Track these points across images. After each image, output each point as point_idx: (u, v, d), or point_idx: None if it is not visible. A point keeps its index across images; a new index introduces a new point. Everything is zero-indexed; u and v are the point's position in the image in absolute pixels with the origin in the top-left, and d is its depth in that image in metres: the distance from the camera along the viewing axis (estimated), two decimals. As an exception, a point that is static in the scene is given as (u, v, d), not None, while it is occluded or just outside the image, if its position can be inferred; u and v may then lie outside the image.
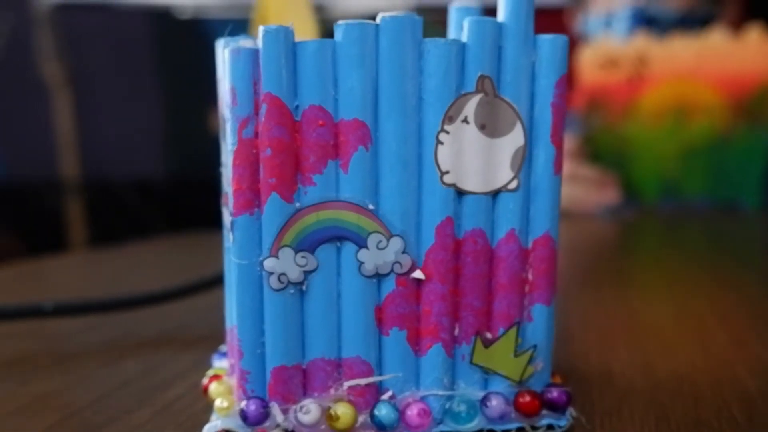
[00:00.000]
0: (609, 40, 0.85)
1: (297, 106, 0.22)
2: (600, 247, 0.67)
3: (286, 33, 0.22)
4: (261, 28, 0.22)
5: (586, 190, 0.82)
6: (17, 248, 1.83)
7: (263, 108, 0.22)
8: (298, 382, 0.23)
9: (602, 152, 0.85)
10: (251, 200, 0.23)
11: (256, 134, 0.23)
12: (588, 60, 0.83)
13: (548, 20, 1.49)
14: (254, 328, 0.23)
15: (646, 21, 0.87)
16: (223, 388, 0.25)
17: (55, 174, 1.88)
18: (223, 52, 0.23)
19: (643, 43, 0.82)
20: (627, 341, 0.34)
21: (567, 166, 0.82)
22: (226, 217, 0.24)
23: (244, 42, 0.23)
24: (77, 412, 0.26)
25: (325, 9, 1.54)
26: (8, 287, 0.50)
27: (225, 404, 0.24)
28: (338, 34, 0.22)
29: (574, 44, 0.89)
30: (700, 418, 0.24)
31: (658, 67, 0.81)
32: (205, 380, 0.26)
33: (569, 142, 0.83)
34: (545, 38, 0.23)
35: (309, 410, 0.23)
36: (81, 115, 1.85)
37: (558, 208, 0.24)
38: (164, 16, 1.68)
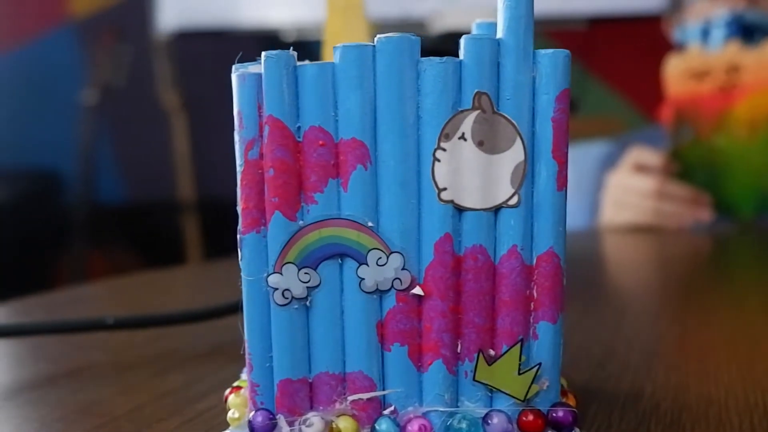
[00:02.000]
0: (698, 49, 0.82)
1: (299, 128, 0.23)
2: (689, 265, 0.65)
3: (288, 58, 0.23)
4: (263, 54, 0.23)
5: (676, 206, 0.79)
6: (138, 265, 1.93)
7: (266, 130, 0.23)
8: (304, 395, 0.24)
9: (692, 166, 0.82)
10: (258, 219, 0.24)
11: (261, 155, 0.24)
12: (675, 70, 0.80)
13: (644, 29, 1.45)
14: (263, 343, 0.24)
15: (744, 28, 0.83)
16: (240, 400, 0.26)
17: (173, 195, 1.97)
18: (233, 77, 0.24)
19: (735, 50, 0.78)
20: (668, 363, 0.32)
21: (654, 183, 0.79)
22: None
23: (253, 68, 0.24)
24: (113, 420, 0.28)
25: (426, 25, 1.55)
26: (128, 294, 0.54)
27: (237, 415, 0.25)
28: (336, 57, 0.23)
29: (669, 54, 0.86)
30: (722, 443, 0.23)
31: (751, 76, 0.77)
32: (227, 392, 0.27)
33: (656, 157, 0.80)
34: (545, 53, 0.23)
35: (312, 423, 0.23)
36: (196, 139, 1.94)
37: (563, 224, 0.24)
38: (271, 39, 1.74)
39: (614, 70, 1.85)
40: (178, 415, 0.28)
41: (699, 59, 0.80)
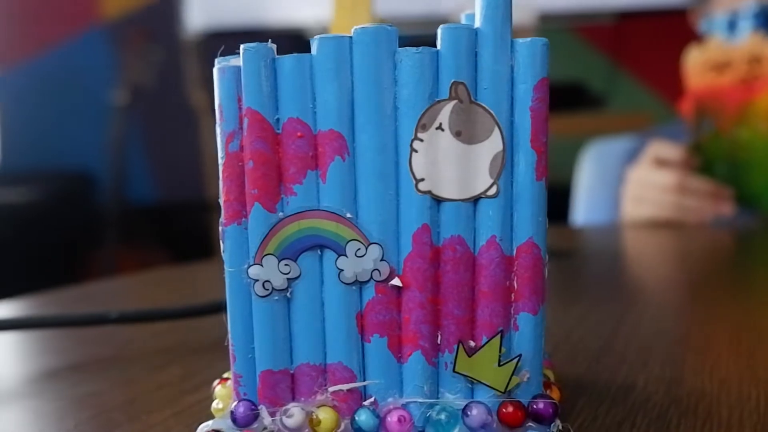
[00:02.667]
0: (718, 40, 0.80)
1: (278, 119, 0.23)
2: (709, 260, 0.64)
3: (266, 50, 0.23)
4: (242, 46, 0.23)
5: (697, 201, 0.78)
6: (167, 262, 1.95)
7: (245, 122, 0.23)
8: (285, 386, 0.24)
9: (713, 160, 0.80)
10: (239, 211, 0.24)
11: (242, 148, 0.24)
12: (695, 62, 0.79)
13: (674, 22, 1.43)
14: (245, 334, 0.24)
15: (772, 20, 0.81)
16: (226, 391, 0.26)
17: (201, 193, 1.99)
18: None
19: (756, 41, 0.77)
20: (666, 357, 0.32)
21: (674, 177, 0.78)
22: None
23: (234, 60, 0.24)
24: (106, 411, 0.28)
25: (450, 21, 1.55)
26: (155, 288, 0.55)
27: (221, 406, 0.25)
28: (314, 48, 0.23)
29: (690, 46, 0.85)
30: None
31: (774, 67, 0.76)
32: (215, 383, 0.27)
33: (676, 151, 0.79)
34: (522, 42, 0.23)
35: (292, 414, 0.24)
36: (225, 138, 1.95)
37: (543, 215, 0.23)
38: (299, 38, 1.75)
39: (644, 65, 1.83)
40: (169, 407, 0.28)
41: (719, 51, 0.78)
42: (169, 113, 2.06)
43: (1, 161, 2.06)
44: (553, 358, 0.32)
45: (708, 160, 0.81)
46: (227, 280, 0.24)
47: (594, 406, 0.26)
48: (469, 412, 0.23)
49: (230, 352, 0.25)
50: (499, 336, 0.23)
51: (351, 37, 0.23)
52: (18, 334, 0.41)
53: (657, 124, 1.49)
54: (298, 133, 0.23)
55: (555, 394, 0.25)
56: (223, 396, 0.26)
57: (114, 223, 1.90)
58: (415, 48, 0.23)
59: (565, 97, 1.76)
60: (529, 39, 0.23)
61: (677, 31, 1.21)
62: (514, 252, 0.23)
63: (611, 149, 1.06)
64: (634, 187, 0.82)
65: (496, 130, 0.23)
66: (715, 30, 0.90)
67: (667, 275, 0.56)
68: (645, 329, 0.37)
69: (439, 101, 0.23)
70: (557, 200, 1.22)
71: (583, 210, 1.09)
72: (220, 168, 0.24)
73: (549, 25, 1.78)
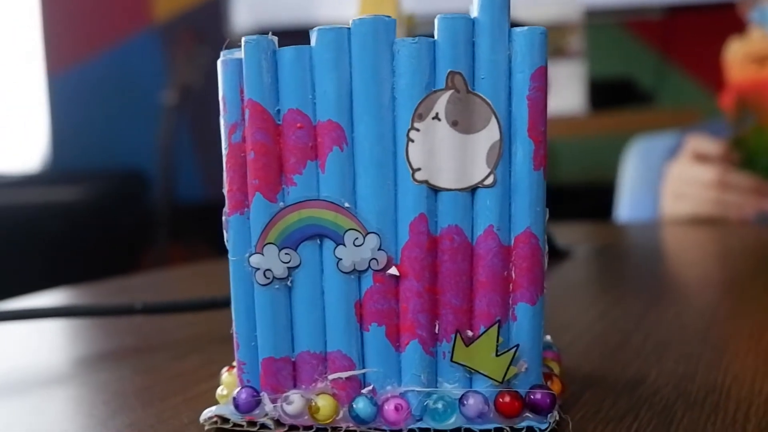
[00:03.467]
0: (761, 32, 0.78)
1: (278, 111, 0.24)
2: (750, 257, 0.62)
3: (267, 42, 0.24)
4: (243, 38, 0.24)
5: (738, 197, 0.76)
6: (215, 259, 1.98)
7: (246, 113, 0.24)
8: (287, 373, 0.24)
9: (755, 155, 0.78)
10: (242, 201, 0.24)
11: (244, 139, 0.24)
12: (737, 55, 0.77)
13: (725, 15, 1.39)
14: (248, 322, 0.25)
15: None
16: (232, 378, 0.26)
17: (249, 192, 2.01)
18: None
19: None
20: (682, 352, 0.31)
21: (714, 172, 0.76)
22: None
23: (238, 53, 0.25)
24: (122, 396, 0.29)
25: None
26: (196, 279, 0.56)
27: (225, 392, 0.26)
28: (313, 40, 0.23)
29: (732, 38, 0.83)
30: (702, 431, 0.23)
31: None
32: (223, 371, 0.27)
33: (716, 146, 0.77)
34: (520, 31, 0.23)
35: (292, 401, 0.24)
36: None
37: (541, 204, 0.23)
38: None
39: (694, 60, 1.79)
40: (182, 393, 0.29)
41: (762, 43, 0.76)
42: (217, 113, 2.08)
43: (50, 160, 2.12)
44: (568, 351, 0.31)
45: (750, 154, 0.79)
46: (231, 269, 0.25)
47: (599, 399, 0.26)
48: (465, 402, 0.23)
49: (234, 339, 0.25)
50: (496, 326, 0.23)
51: (349, 29, 0.23)
52: (55, 323, 0.42)
53: (704, 119, 1.46)
54: (298, 124, 0.23)
55: (556, 385, 0.24)
56: (228, 383, 0.26)
57: (164, 220, 1.93)
58: (412, 38, 0.23)
59: (613, 94, 1.73)
60: (526, 28, 0.23)
61: (727, 24, 1.18)
62: (512, 242, 0.23)
63: (655, 146, 1.04)
64: (674, 183, 0.80)
65: (494, 120, 0.23)
66: (766, 21, 0.88)
67: (702, 273, 0.54)
68: (667, 325, 0.36)
69: (435, 91, 0.23)
70: (608, 197, 1.20)
71: (626, 207, 1.07)
72: (224, 159, 0.25)
73: (596, 20, 1.75)
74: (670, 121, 1.49)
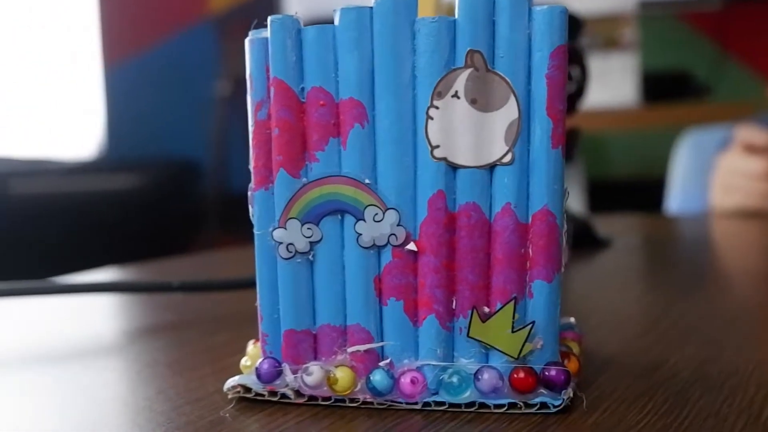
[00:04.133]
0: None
1: (302, 88, 0.24)
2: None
3: (292, 21, 0.24)
4: (269, 18, 0.25)
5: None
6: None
7: (272, 91, 0.24)
8: (308, 345, 0.25)
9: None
10: (266, 176, 0.25)
11: (269, 116, 0.25)
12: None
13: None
14: (271, 294, 0.25)
15: None
16: (257, 350, 0.27)
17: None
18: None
19: None
20: (707, 337, 0.31)
21: (764, 164, 0.75)
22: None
23: (265, 33, 0.25)
24: (154, 365, 0.30)
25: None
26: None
27: (249, 363, 0.26)
28: (336, 19, 0.24)
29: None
30: (717, 413, 0.22)
31: None
32: (250, 343, 0.28)
33: (766, 137, 0.75)
34: (539, 10, 0.23)
35: (312, 372, 0.24)
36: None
37: (559, 182, 0.23)
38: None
39: (752, 52, 1.74)
40: (210, 365, 0.30)
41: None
42: (269, 103, 2.11)
43: (106, 150, 2.17)
44: (593, 334, 0.31)
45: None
46: (256, 243, 0.25)
47: (617, 380, 0.26)
48: (480, 376, 0.23)
49: (258, 312, 0.26)
50: (512, 302, 0.23)
51: (371, 8, 0.24)
52: (104, 298, 0.43)
53: (760, 112, 1.42)
54: (321, 102, 0.24)
55: (573, 364, 0.25)
56: (253, 355, 0.27)
57: (215, 210, 1.97)
58: (432, 17, 0.23)
59: (667, 87, 1.70)
60: (546, 6, 0.23)
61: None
62: (530, 219, 0.24)
63: (707, 138, 1.02)
64: (723, 174, 0.79)
65: (512, 98, 0.23)
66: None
67: (742, 264, 0.53)
68: (696, 312, 0.36)
69: (455, 69, 0.23)
70: (661, 191, 1.18)
71: (677, 200, 1.06)
72: (250, 135, 0.25)
73: (651, 11, 1.72)
74: (726, 115, 1.46)
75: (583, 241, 0.57)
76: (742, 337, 0.31)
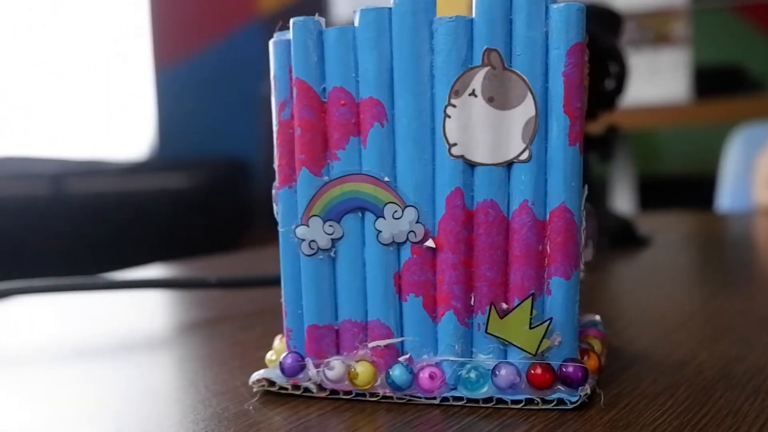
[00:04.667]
0: None
1: (324, 89, 0.25)
2: None
3: (313, 23, 0.25)
4: (291, 20, 0.25)
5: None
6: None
7: (294, 92, 0.25)
8: (330, 341, 0.26)
9: None
10: (290, 175, 0.26)
11: (292, 116, 0.25)
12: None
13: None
14: (295, 291, 0.26)
15: None
16: (282, 345, 0.28)
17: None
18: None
19: None
20: (738, 336, 0.30)
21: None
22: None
23: (288, 35, 0.26)
24: (187, 359, 0.31)
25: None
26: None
27: (273, 357, 0.27)
28: (356, 20, 0.24)
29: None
30: (736, 412, 0.22)
31: None
32: (277, 338, 0.29)
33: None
34: (556, 8, 0.23)
35: (333, 367, 0.25)
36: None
37: (577, 179, 0.23)
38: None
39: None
40: (239, 359, 0.30)
41: None
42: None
43: (157, 150, 2.22)
44: (623, 331, 0.31)
45: None
46: (280, 240, 0.26)
47: (641, 376, 0.26)
48: (498, 372, 0.24)
49: (283, 307, 0.26)
50: (530, 299, 0.23)
51: (390, 8, 0.24)
52: (148, 294, 0.45)
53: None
54: (342, 101, 0.24)
55: (592, 361, 0.25)
56: (278, 349, 0.27)
57: (265, 207, 1.99)
58: (450, 16, 0.23)
59: (720, 81, 1.66)
60: (563, 4, 0.23)
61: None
62: (548, 217, 0.24)
63: (758, 134, 1.00)
64: (765, 171, 0.77)
65: (529, 96, 0.23)
66: None
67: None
68: (729, 311, 0.35)
69: (472, 68, 0.23)
70: (713, 187, 1.16)
71: (727, 196, 1.04)
72: (274, 135, 0.26)
73: (703, 5, 1.69)
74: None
75: (624, 239, 0.57)
76: (773, 336, 0.31)
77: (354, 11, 0.24)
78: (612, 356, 0.28)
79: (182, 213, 1.89)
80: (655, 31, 1.65)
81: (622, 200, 1.61)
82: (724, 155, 1.10)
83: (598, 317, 0.29)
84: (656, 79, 1.66)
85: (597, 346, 0.26)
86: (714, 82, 1.63)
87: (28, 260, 1.61)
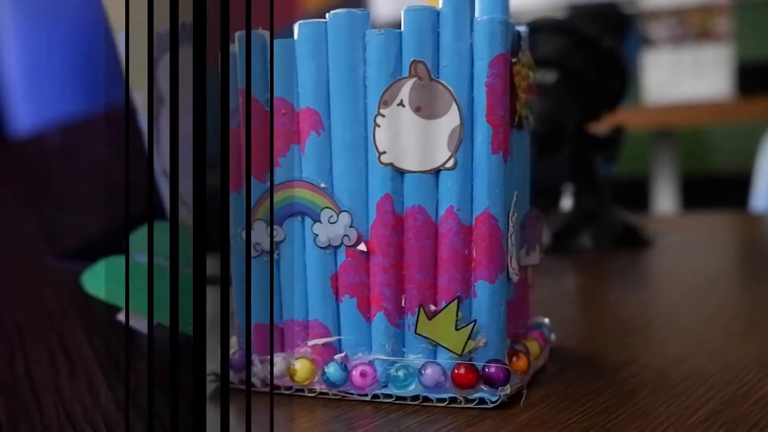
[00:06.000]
0: None
1: (267, 99, 0.26)
2: None
3: (257, 36, 0.26)
4: (236, 33, 0.26)
5: None
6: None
7: (239, 101, 0.26)
8: (275, 338, 0.27)
9: None
10: (239, 181, 0.27)
11: (239, 124, 0.27)
12: None
13: None
14: (243, 291, 0.27)
15: None
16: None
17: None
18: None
19: None
20: (691, 339, 0.31)
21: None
22: (229, 196, 0.28)
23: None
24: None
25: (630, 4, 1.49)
26: None
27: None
28: (296, 32, 0.26)
29: None
30: (648, 414, 0.23)
31: None
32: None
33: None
34: (480, 21, 0.24)
35: (275, 363, 0.26)
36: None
37: (500, 186, 0.24)
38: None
39: None
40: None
41: None
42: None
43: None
44: (579, 333, 0.32)
45: None
46: (231, 242, 0.27)
47: (575, 378, 0.26)
48: (424, 371, 0.24)
49: (234, 306, 0.28)
50: (456, 301, 0.24)
51: (326, 22, 0.25)
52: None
53: None
54: (283, 111, 0.26)
55: (521, 362, 0.25)
56: (233, 346, 0.29)
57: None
58: (379, 30, 0.24)
59: (764, 78, 1.62)
60: (487, 17, 0.24)
61: None
62: (473, 222, 0.25)
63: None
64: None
65: (454, 106, 0.24)
66: None
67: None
68: (694, 314, 0.35)
69: (400, 79, 0.24)
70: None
71: (762, 196, 1.02)
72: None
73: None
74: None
75: (626, 241, 0.57)
76: (728, 341, 0.31)
77: (294, 24, 0.26)
78: (559, 357, 0.29)
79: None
80: (698, 27, 1.62)
81: (665, 199, 1.59)
82: (760, 153, 1.08)
83: (546, 320, 0.29)
84: (699, 76, 1.63)
85: (533, 347, 0.27)
86: (758, 78, 1.60)
87: None
